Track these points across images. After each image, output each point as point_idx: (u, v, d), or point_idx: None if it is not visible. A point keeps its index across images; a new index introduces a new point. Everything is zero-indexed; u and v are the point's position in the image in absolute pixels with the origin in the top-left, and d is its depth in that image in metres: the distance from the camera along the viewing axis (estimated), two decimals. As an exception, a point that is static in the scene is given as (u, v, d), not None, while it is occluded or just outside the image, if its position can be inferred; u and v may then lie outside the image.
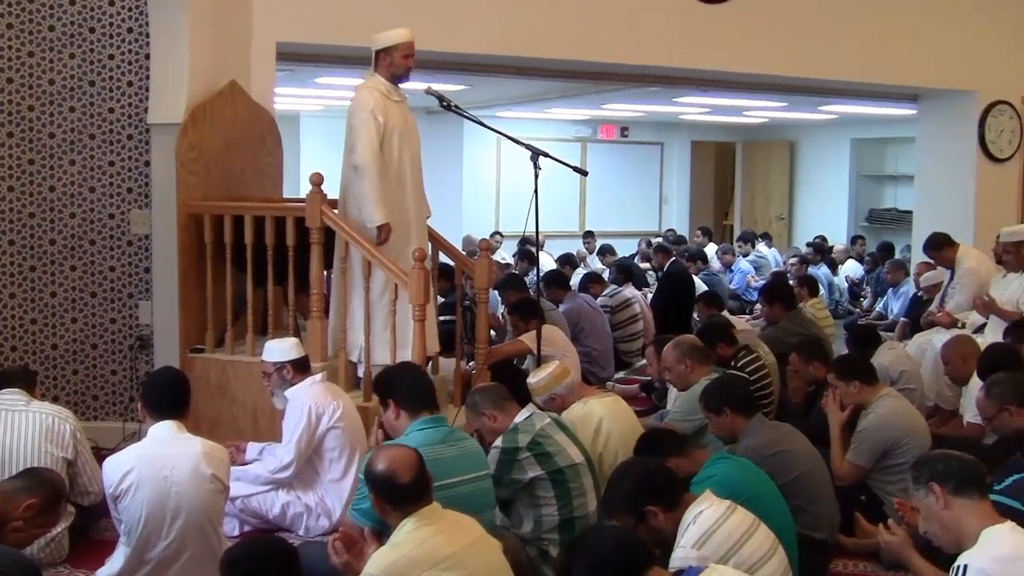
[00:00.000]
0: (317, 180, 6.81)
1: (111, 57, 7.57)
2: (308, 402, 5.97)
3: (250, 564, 3.75)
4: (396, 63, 7.05)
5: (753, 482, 5.04)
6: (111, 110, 7.60)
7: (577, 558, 3.79)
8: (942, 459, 4.05)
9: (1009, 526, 3.89)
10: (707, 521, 4.33)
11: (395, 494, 4.14)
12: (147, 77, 7.55)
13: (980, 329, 8.66)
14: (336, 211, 7.07)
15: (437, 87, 7.31)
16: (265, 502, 6.12)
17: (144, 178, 7.61)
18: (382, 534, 4.37)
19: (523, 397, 5.86)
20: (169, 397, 5.12)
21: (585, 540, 3.97)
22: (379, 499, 4.20)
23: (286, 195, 8.31)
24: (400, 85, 7.14)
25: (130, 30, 7.55)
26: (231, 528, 5.98)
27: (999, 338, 7.74)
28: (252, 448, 6.47)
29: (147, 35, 7.53)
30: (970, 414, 7.19)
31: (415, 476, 4.16)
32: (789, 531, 5.04)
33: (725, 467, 5.02)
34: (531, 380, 6.17)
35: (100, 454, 5.84)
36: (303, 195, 6.99)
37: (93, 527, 5.98)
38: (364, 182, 6.90)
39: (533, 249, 11.68)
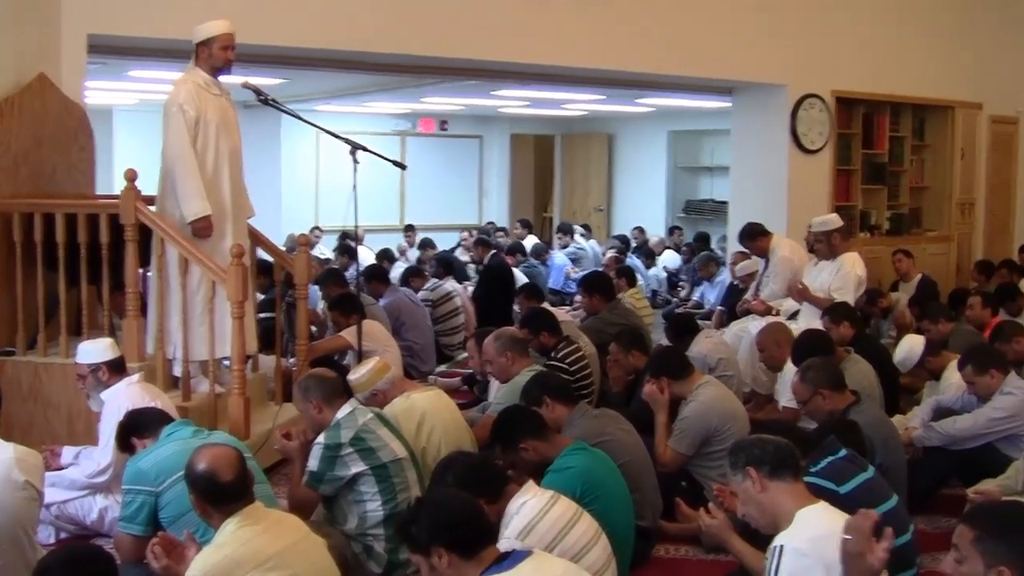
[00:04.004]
0: (131, 176, 6.70)
1: (-89, 50, 7.29)
2: (125, 403, 5.80)
3: (64, 571, 3.60)
4: (215, 55, 6.98)
5: (607, 475, 5.13)
6: (-88, 105, 7.32)
7: (426, 514, 3.82)
8: (757, 444, 4.17)
9: (822, 505, 4.03)
10: (530, 512, 4.40)
11: (216, 494, 4.10)
12: (-50, 70, 7.30)
13: (794, 316, 8.93)
14: (154, 207, 6.95)
15: (254, 81, 7.23)
16: (82, 508, 5.98)
17: (-51, 175, 7.35)
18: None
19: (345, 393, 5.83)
20: (-23, 402, 4.96)
21: (437, 500, 3.99)
22: (200, 499, 4.14)
23: (99, 192, 8.10)
24: (220, 78, 7.07)
25: (-70, 22, 7.29)
26: (46, 536, 5.84)
27: (812, 324, 7.98)
28: (67, 452, 6.30)
29: (-51, 27, 7.28)
30: (785, 398, 7.39)
31: (236, 475, 4.12)
32: (631, 523, 5.14)
33: (583, 459, 5.09)
34: (352, 376, 6.13)
35: (-94, 462, 5.64)
36: (117, 191, 6.86)
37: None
38: (178, 176, 6.81)
39: (353, 244, 11.65)
